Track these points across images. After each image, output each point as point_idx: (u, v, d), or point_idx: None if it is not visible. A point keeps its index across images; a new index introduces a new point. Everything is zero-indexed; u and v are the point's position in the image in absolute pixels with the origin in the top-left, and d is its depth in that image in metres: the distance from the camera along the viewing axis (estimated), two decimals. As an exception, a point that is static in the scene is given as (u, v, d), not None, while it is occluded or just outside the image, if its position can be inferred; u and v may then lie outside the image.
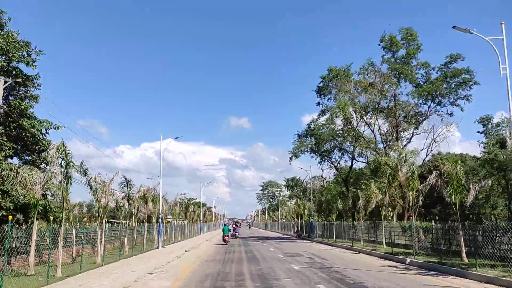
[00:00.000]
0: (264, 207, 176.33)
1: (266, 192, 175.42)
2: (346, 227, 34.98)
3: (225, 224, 41.79)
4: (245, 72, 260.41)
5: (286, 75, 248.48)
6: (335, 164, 45.90)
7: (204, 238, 47.45)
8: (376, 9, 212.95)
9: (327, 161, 45.60)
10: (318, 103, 44.76)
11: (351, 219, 43.67)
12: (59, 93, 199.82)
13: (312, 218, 46.32)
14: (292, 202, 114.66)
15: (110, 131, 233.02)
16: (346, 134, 40.43)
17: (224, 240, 35.35)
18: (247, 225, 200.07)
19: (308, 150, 44.55)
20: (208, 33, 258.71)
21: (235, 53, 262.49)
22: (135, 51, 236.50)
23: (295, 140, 45.84)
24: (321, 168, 53.80)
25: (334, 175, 60.83)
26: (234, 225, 61.90)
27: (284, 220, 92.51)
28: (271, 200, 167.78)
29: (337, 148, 43.55)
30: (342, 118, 38.08)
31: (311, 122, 45.31)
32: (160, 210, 28.59)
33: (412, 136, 39.75)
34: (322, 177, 55.18)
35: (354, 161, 44.50)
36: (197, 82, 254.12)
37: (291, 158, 45.81)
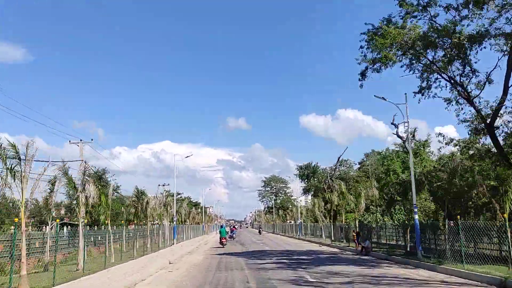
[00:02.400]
0: (266, 205, 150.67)
1: (269, 189, 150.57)
2: None
3: (222, 226, 40.22)
4: (243, 73, 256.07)
5: (284, 75, 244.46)
6: (463, 83, 19.92)
7: (168, 259, 21.79)
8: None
9: (450, 76, 19.73)
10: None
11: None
12: (54, 95, 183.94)
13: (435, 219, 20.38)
14: (305, 197, 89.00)
15: (106, 133, 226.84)
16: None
17: (221, 243, 33.25)
18: (246, 227, 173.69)
19: (420, 47, 18.75)
20: (205, 35, 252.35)
21: (232, 55, 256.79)
22: (132, 52, 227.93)
23: (365, 42, 20.06)
24: (399, 126, 28.15)
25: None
26: (231, 227, 56.24)
27: (301, 221, 66.44)
28: (275, 197, 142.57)
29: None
30: None
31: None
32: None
33: None
34: (399, 138, 29.14)
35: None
36: (194, 83, 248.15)
37: (363, 75, 20.06)
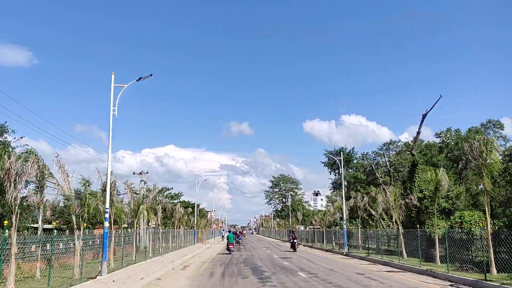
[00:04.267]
0: (274, 208, 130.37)
1: (277, 189, 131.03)
2: None
3: (229, 232, 42.82)
4: (247, 78, 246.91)
5: (287, 80, 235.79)
6: None
7: None
8: None
9: None
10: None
11: None
12: (56, 98, 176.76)
13: None
14: (336, 193, 68.53)
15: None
16: None
17: (228, 249, 33.55)
18: (251, 233, 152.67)
19: None
20: (208, 39, 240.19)
21: (235, 60, 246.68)
22: (134, 57, 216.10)
23: None
24: None
25: None
26: (238, 232, 57.46)
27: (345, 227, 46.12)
28: (285, 199, 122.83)
29: None
30: None
31: None
32: None
33: None
34: None
35: None
36: (197, 88, 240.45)
37: None
